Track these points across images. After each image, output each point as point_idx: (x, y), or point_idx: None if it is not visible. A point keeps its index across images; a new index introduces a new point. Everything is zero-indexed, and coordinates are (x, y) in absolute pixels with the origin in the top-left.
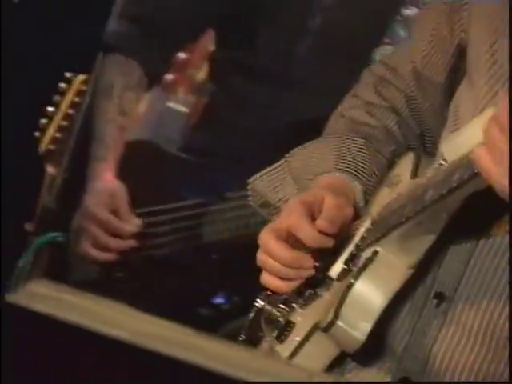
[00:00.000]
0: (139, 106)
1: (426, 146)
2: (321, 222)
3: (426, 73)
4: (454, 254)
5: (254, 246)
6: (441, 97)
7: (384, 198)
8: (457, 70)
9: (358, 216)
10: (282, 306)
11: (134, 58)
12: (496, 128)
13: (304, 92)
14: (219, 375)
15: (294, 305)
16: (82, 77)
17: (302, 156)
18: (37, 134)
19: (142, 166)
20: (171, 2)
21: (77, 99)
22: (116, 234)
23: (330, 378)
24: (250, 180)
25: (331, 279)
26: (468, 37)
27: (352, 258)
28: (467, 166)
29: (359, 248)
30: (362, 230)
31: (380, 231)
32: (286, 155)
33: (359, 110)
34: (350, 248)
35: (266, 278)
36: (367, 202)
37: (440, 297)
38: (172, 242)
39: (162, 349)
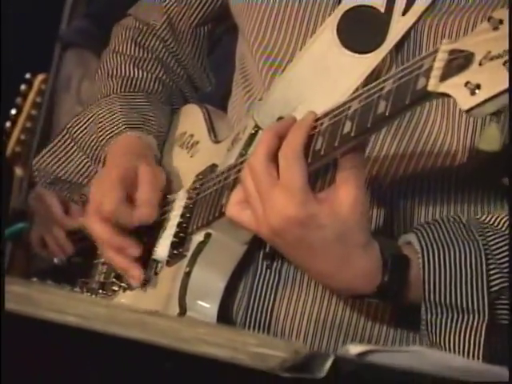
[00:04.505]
0: None
1: (196, 86)
2: (141, 205)
3: (179, 19)
4: None
5: None
6: (197, 45)
7: (184, 162)
8: (221, 19)
9: None
10: (101, 291)
11: (90, 49)
12: (250, 180)
13: None
14: (171, 351)
15: (115, 288)
16: (41, 76)
17: (83, 122)
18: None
19: None
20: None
21: (38, 99)
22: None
23: None
24: (34, 161)
25: (157, 262)
26: None
27: (182, 242)
28: None
29: (187, 230)
30: (178, 204)
31: (209, 214)
32: (67, 124)
33: (126, 65)
34: (172, 228)
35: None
36: (165, 164)
37: (270, 257)
38: None
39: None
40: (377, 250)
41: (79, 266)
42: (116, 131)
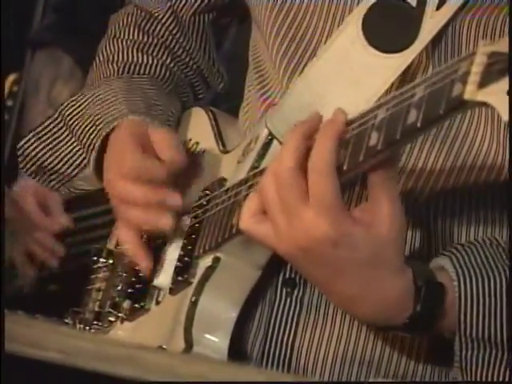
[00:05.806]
0: None
1: (207, 81)
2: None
3: (181, 7)
4: None
5: None
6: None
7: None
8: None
9: None
10: (95, 322)
11: (60, 47)
12: (273, 190)
13: None
14: None
15: (112, 319)
16: (12, 77)
17: (79, 104)
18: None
19: None
20: None
21: (10, 103)
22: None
23: None
24: (19, 145)
25: (158, 290)
26: None
27: (187, 267)
28: None
29: (192, 254)
30: (182, 223)
31: (218, 235)
32: (60, 107)
33: (129, 50)
34: (176, 251)
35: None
36: None
37: (291, 283)
38: None
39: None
40: (410, 276)
41: (56, 295)
42: (116, 115)
